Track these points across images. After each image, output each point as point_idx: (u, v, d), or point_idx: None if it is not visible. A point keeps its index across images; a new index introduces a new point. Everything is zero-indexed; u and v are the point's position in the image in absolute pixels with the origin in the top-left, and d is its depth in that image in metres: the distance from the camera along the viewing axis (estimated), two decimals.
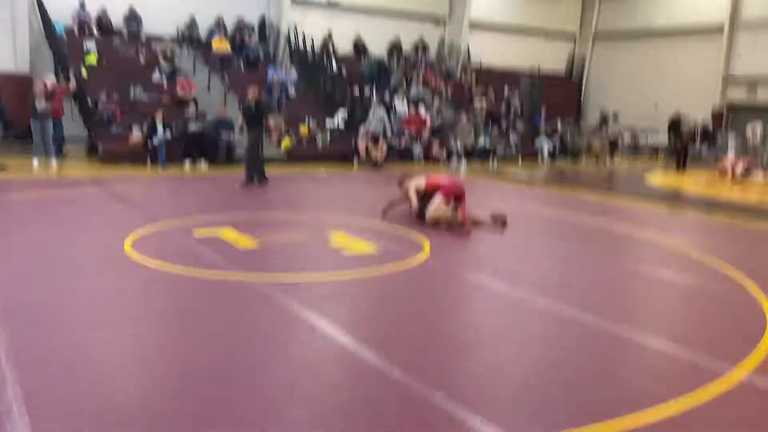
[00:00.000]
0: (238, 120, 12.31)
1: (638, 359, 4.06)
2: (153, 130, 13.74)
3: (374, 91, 18.88)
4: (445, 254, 6.66)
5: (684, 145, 18.40)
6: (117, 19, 18.27)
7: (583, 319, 4.72)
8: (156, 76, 16.79)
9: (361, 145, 15.38)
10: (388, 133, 15.80)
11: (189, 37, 18.83)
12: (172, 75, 16.76)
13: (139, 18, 18.33)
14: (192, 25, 19.03)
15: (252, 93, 11.34)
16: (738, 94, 23.51)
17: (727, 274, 6.27)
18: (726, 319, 4.96)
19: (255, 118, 11.16)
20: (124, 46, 17.65)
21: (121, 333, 4.12)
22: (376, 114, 15.53)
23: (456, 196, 7.91)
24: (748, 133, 20.64)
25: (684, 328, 4.78)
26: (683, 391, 3.53)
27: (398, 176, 8.84)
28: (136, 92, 15.89)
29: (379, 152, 15.37)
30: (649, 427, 3.13)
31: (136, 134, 13.94)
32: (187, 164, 13.80)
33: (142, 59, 17.31)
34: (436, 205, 7.88)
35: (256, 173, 11.08)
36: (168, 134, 13.82)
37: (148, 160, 13.59)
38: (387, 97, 18.78)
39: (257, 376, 3.54)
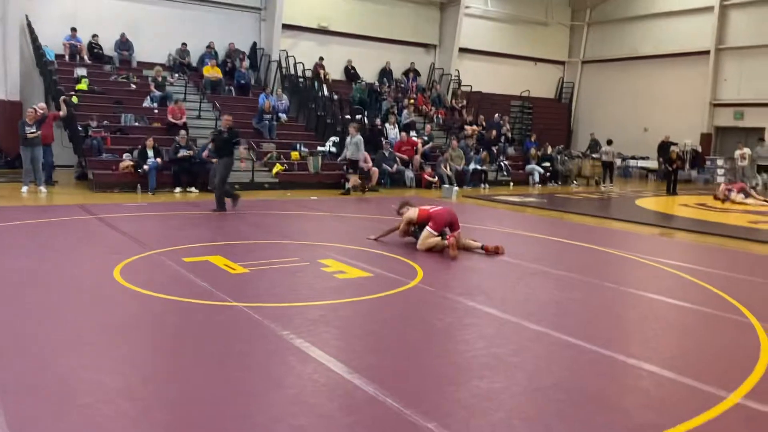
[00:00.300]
0: (209, 145, 12.34)
1: (633, 385, 4.02)
2: (143, 156, 13.72)
3: (365, 116, 18.99)
4: (439, 280, 6.62)
5: (673, 169, 18.57)
6: (109, 46, 18.37)
7: (577, 344, 4.67)
8: (147, 102, 16.82)
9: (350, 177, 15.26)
10: (361, 160, 15.49)
11: (180, 63, 18.92)
12: (163, 101, 16.80)
13: (131, 45, 18.47)
14: (183, 51, 19.14)
15: (226, 121, 11.48)
16: (725, 118, 23.83)
17: (722, 296, 6.26)
18: (721, 344, 4.93)
19: (226, 145, 11.17)
20: (115, 72, 17.71)
21: (110, 363, 4.03)
22: (353, 140, 15.29)
23: (448, 224, 7.99)
24: (736, 156, 20.91)
25: (680, 353, 4.74)
26: (679, 417, 3.49)
27: (396, 204, 8.85)
28: (127, 119, 15.90)
29: (357, 179, 15.21)
30: None
31: (127, 160, 13.91)
32: (178, 191, 13.76)
33: (133, 86, 17.36)
34: (425, 236, 7.97)
35: (227, 196, 11.12)
36: (158, 160, 13.80)
37: (138, 187, 13.54)
38: (378, 122, 18.88)
39: (249, 405, 3.46)
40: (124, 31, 18.36)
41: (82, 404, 3.41)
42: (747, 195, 15.85)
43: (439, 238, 7.94)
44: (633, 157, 25.20)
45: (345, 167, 15.68)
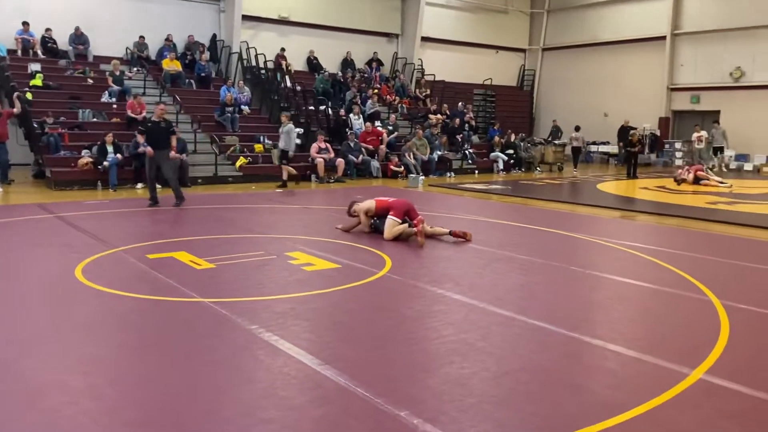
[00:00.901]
0: (139, 138, 11.93)
1: (599, 366, 4.10)
2: (103, 152, 13.42)
3: (329, 106, 18.88)
4: (407, 269, 6.64)
5: (634, 152, 18.97)
6: (63, 40, 17.86)
7: (543, 327, 4.74)
8: (105, 97, 16.44)
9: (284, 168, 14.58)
10: (292, 149, 14.60)
11: (139, 57, 18.52)
12: (122, 96, 16.44)
13: (86, 38, 17.99)
14: (142, 45, 18.73)
15: (160, 110, 11.09)
16: (682, 102, 24.36)
17: (683, 276, 6.42)
18: (683, 322, 5.05)
19: (164, 136, 10.80)
20: (71, 67, 17.24)
21: (73, 363, 3.95)
22: (284, 129, 14.52)
23: (406, 212, 8.06)
24: (693, 139, 21.43)
25: (644, 333, 4.85)
26: (645, 396, 3.57)
27: (348, 203, 8.85)
28: (85, 114, 15.52)
29: (291, 170, 14.64)
30: (608, 431, 3.16)
31: (86, 157, 13.59)
32: (140, 186, 13.52)
33: (90, 80, 16.94)
34: (390, 224, 8.02)
35: (175, 193, 10.91)
36: (119, 156, 13.52)
37: (99, 184, 13.26)
38: (342, 113, 18.79)
39: (217, 400, 3.43)
40: (78, 24, 17.87)
41: (45, 407, 3.33)
42: (703, 177, 16.23)
43: (406, 224, 7.99)
44: (594, 143, 25.60)
45: (279, 159, 14.92)
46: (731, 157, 22.26)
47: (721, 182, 16.02)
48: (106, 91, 16.52)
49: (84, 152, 13.89)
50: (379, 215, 8.29)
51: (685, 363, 4.05)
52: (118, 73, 16.98)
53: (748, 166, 21.84)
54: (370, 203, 8.37)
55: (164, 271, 6.26)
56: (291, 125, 14.75)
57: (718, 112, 22.87)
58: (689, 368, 3.96)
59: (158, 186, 11.25)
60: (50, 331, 4.55)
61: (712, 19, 22.93)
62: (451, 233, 8.12)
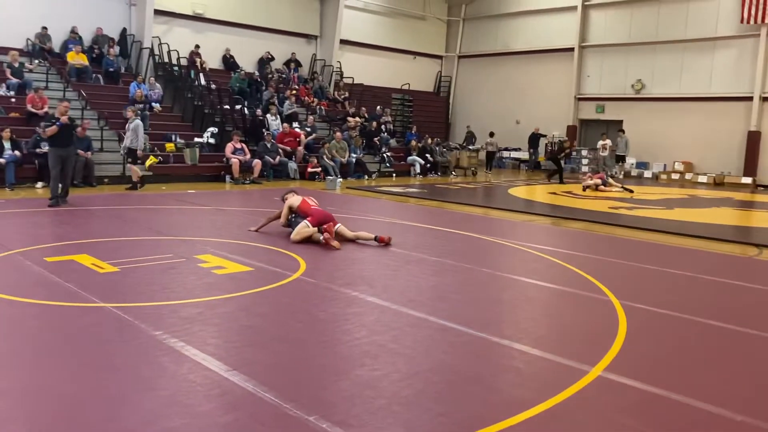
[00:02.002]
0: (43, 133, 11.26)
1: (506, 365, 4.21)
2: None
3: (245, 106, 18.53)
4: (321, 271, 6.59)
5: (556, 160, 19.88)
6: None
7: (453, 328, 4.83)
8: (2, 90, 15.44)
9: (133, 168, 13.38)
10: (140, 147, 13.20)
11: (41, 48, 17.49)
12: (21, 89, 15.50)
13: None
14: (44, 36, 17.70)
15: (65, 107, 10.71)
16: (588, 111, 25.55)
17: (585, 277, 6.71)
18: (585, 321, 5.28)
19: (65, 135, 10.49)
20: None
21: None
22: (130, 125, 13.12)
23: (321, 223, 8.04)
24: (599, 146, 22.54)
25: (548, 332, 5.02)
26: (548, 393, 3.70)
27: (284, 191, 8.85)
28: None
29: (137, 170, 13.38)
30: (513, 428, 3.24)
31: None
32: (40, 186, 12.77)
33: None
34: (300, 227, 7.98)
35: (63, 191, 10.59)
36: (17, 153, 12.73)
37: None
38: (259, 113, 18.49)
39: (117, 408, 3.27)
40: None
41: None
42: (605, 183, 17.07)
43: (315, 230, 7.97)
44: (506, 149, 26.44)
45: (124, 157, 13.63)
46: (632, 164, 23.56)
47: (624, 188, 16.89)
48: (4, 84, 15.52)
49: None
50: (298, 215, 8.23)
51: (586, 360, 4.22)
52: (17, 65, 15.99)
53: (647, 174, 23.17)
54: (297, 200, 8.37)
55: (63, 275, 5.93)
56: (138, 121, 13.32)
57: (621, 122, 24.14)
58: (589, 366, 4.14)
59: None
60: None
61: (616, 34, 24.21)
62: (376, 239, 8.12)
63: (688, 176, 22.15)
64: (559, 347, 4.52)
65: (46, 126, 10.77)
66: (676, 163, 22.62)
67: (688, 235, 10.14)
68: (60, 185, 10.48)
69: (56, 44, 18.03)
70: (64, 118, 10.42)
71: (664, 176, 22.60)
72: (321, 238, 7.82)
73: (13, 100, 15.21)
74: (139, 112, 14.29)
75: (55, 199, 10.33)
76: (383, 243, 8.06)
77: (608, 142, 22.42)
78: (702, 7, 22.09)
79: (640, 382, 3.90)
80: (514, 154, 26.47)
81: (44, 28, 17.70)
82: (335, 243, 7.71)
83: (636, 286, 6.59)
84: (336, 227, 8.09)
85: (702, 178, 21.63)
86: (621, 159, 23.03)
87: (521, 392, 3.74)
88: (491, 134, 24.56)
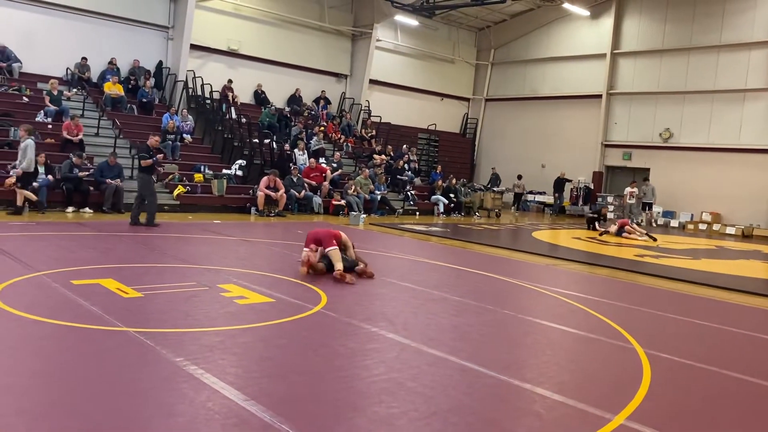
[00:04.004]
0: (141, 162, 11.98)
1: (527, 409, 4.13)
2: (34, 173, 12.90)
3: (274, 140, 18.83)
4: (342, 306, 6.58)
5: (594, 211, 19.75)
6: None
7: (474, 369, 4.77)
8: (40, 116, 15.91)
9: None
10: (30, 168, 12.33)
11: (79, 78, 18.05)
12: (59, 116, 15.96)
13: (10, 54, 17.08)
14: (83, 66, 18.29)
15: (153, 141, 12.20)
16: (615, 158, 25.47)
17: (609, 324, 6.60)
18: (608, 368, 5.18)
19: (152, 165, 12.00)
20: (5, 84, 16.63)
21: None
22: (21, 146, 12.28)
23: (316, 241, 8.03)
24: (626, 193, 22.40)
25: (570, 377, 4.93)
26: None
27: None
28: (17, 133, 14.92)
29: (29, 195, 12.46)
30: None
31: (14, 177, 13.02)
32: (71, 210, 13.04)
33: (25, 98, 16.38)
34: (336, 255, 7.95)
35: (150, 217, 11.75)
36: (50, 178, 13.03)
37: (26, 205, 12.70)
38: (287, 148, 18.77)
39: None
40: (17, 40, 17.29)
41: None
42: (624, 231, 16.85)
43: (310, 253, 7.97)
44: (531, 192, 26.40)
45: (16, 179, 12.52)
46: (659, 213, 23.32)
47: (649, 236, 16.69)
48: (42, 111, 16.00)
49: (12, 171, 13.32)
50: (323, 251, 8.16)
51: (608, 408, 4.13)
52: (55, 92, 16.49)
53: (674, 223, 22.90)
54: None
55: (89, 298, 6.01)
56: (30, 140, 12.37)
57: (648, 170, 24.00)
58: (612, 414, 4.05)
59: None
60: None
61: (645, 82, 24.27)
62: (355, 270, 8.06)
63: (715, 227, 21.82)
64: (581, 393, 4.44)
65: (142, 157, 11.89)
66: (704, 214, 22.33)
67: (715, 286, 9.96)
68: (146, 209, 11.73)
69: (94, 74, 18.59)
70: (156, 151, 12.14)
71: (690, 226, 22.30)
72: (337, 275, 7.74)
73: (50, 126, 15.65)
74: (33, 130, 12.96)
75: (135, 221, 11.70)
76: (363, 275, 7.98)
77: (636, 190, 22.28)
78: (732, 59, 22.09)
79: None
80: (538, 198, 26.40)
81: (84, 58, 18.29)
82: (302, 269, 7.79)
83: (661, 335, 6.47)
84: (327, 250, 7.94)
85: (730, 230, 21.30)
86: (648, 206, 22.82)
87: None
88: (519, 177, 25.24)
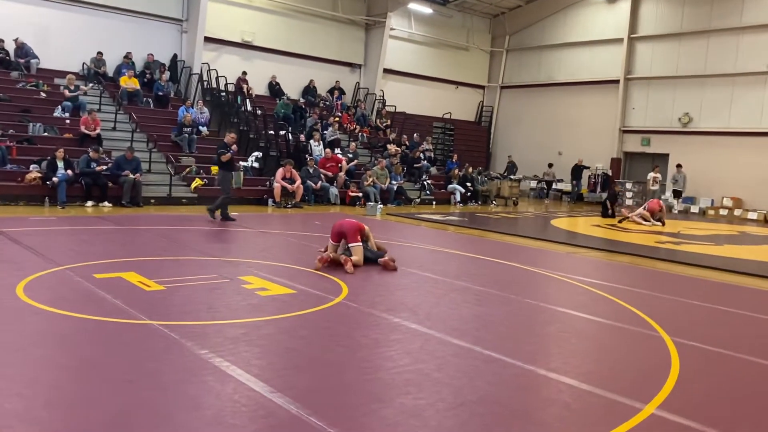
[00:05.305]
0: (221, 158, 12.15)
1: (554, 399, 4.08)
2: (53, 167, 13.02)
3: (289, 132, 18.81)
4: (364, 297, 6.56)
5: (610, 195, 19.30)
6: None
7: (499, 359, 4.72)
8: (58, 112, 16.02)
9: None
10: None
11: (96, 72, 18.13)
12: (76, 111, 16.05)
13: (29, 50, 17.25)
14: (99, 61, 18.37)
15: (230, 138, 12.48)
16: (633, 144, 25.16)
17: (634, 312, 6.52)
18: (635, 357, 5.10)
19: (230, 160, 12.27)
20: (23, 80, 16.76)
21: (9, 385, 3.72)
22: None
23: (340, 234, 8.08)
24: (649, 178, 22.08)
25: (597, 366, 4.87)
26: (598, 429, 3.57)
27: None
28: (36, 128, 15.06)
29: None
30: None
31: (34, 172, 13.15)
32: (90, 204, 13.13)
33: (43, 94, 16.49)
34: (360, 250, 8.02)
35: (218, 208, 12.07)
36: (69, 172, 13.12)
37: (47, 200, 12.83)
38: (302, 139, 18.75)
39: (163, 427, 3.27)
40: (32, 36, 17.41)
41: None
42: (647, 219, 16.69)
43: (332, 246, 8.11)
44: (540, 179, 26.17)
45: None
46: (680, 200, 23.02)
47: (655, 222, 16.51)
48: (59, 106, 16.10)
49: (32, 167, 13.45)
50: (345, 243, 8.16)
51: (638, 398, 4.07)
52: (72, 87, 16.58)
53: (694, 209, 22.60)
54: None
55: (111, 291, 6.03)
56: None
57: (667, 155, 23.68)
58: (641, 403, 3.99)
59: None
60: None
61: (663, 67, 23.90)
62: (378, 262, 8.06)
63: (737, 212, 21.50)
64: (609, 383, 4.37)
65: (221, 153, 12.10)
66: (725, 199, 22.02)
67: (739, 272, 9.80)
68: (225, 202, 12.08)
69: (110, 68, 18.67)
70: (234, 147, 12.41)
71: (711, 212, 22.00)
72: (341, 258, 7.84)
73: (67, 121, 15.75)
74: None
75: (228, 217, 12.06)
76: (387, 268, 7.95)
77: (659, 175, 21.95)
78: (753, 41, 21.67)
79: (697, 423, 3.73)
80: (556, 185, 26.18)
81: (99, 53, 18.37)
82: (347, 267, 7.68)
83: (687, 323, 6.37)
84: (351, 246, 7.96)
85: (752, 215, 20.98)
86: (678, 194, 22.50)
87: (570, 428, 3.62)
88: (550, 165, 25.49)
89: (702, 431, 3.64)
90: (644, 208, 17.06)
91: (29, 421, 3.28)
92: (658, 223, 16.42)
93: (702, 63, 22.85)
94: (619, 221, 16.63)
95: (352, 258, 7.81)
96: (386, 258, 8.08)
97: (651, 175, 22.00)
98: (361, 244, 8.03)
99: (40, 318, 5.13)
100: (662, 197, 21.91)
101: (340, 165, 18.04)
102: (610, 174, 24.80)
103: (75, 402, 3.58)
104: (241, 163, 17.03)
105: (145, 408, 3.52)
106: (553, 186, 25.81)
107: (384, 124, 23.51)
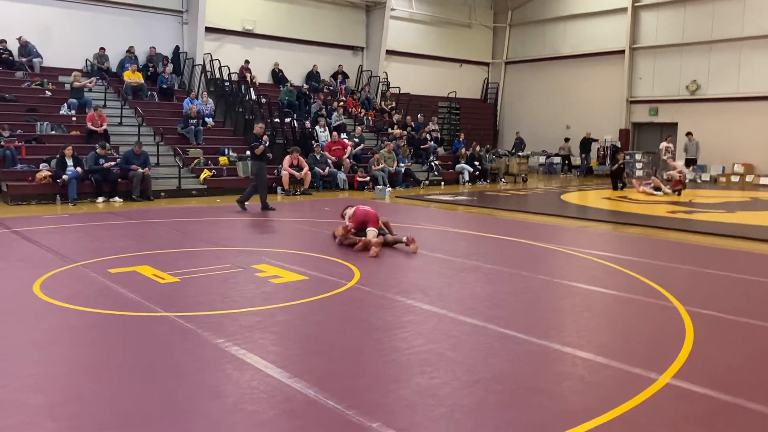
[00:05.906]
0: (256, 150, 12.39)
1: (569, 373, 4.11)
2: (62, 165, 13.10)
3: (294, 119, 18.79)
4: (376, 280, 6.60)
5: (620, 168, 18.98)
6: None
7: (513, 336, 4.75)
8: (64, 109, 16.08)
9: None
10: None
11: (99, 68, 18.16)
12: (82, 108, 16.10)
13: (32, 49, 17.27)
14: (102, 56, 18.38)
15: (259, 129, 12.56)
16: (641, 114, 24.92)
17: (647, 283, 6.52)
18: (649, 328, 5.12)
19: (263, 151, 12.32)
20: (28, 79, 16.81)
21: (31, 381, 3.79)
22: None
23: (363, 224, 8.25)
24: (661, 147, 21.85)
25: (611, 339, 4.89)
26: (614, 401, 3.59)
27: (341, 206, 9.13)
28: (43, 127, 15.14)
29: None
30: None
31: (44, 171, 13.24)
32: (101, 200, 13.22)
33: (48, 92, 16.54)
34: (339, 228, 8.44)
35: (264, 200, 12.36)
36: (78, 170, 13.21)
37: (58, 198, 12.93)
38: (308, 125, 18.73)
39: (184, 416, 3.33)
40: (35, 35, 17.44)
41: (1, 426, 3.19)
42: (658, 188, 16.65)
43: (348, 228, 8.28)
44: (557, 154, 26.04)
45: None
46: (692, 168, 22.82)
47: (666, 191, 16.50)
48: (65, 104, 16.16)
49: (42, 166, 13.55)
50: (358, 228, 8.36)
51: (653, 368, 4.09)
52: (78, 84, 16.62)
53: (705, 177, 22.43)
54: (351, 211, 8.58)
55: (126, 285, 6.10)
56: None
57: (675, 125, 23.47)
58: (656, 373, 4.01)
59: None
60: (6, 349, 4.37)
61: (669, 34, 23.59)
62: (405, 242, 8.15)
63: (748, 178, 21.32)
64: (624, 354, 4.39)
65: (254, 146, 12.31)
66: (736, 165, 21.82)
67: (752, 238, 9.76)
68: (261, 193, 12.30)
69: (113, 64, 18.68)
70: (265, 138, 12.49)
71: (722, 179, 21.83)
72: (356, 239, 8.08)
73: (74, 119, 15.81)
74: None
75: (267, 206, 12.28)
76: (410, 243, 8.06)
77: (671, 145, 21.72)
78: (760, 3, 21.31)
79: (712, 390, 3.75)
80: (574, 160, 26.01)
81: (102, 48, 18.38)
82: (376, 250, 7.77)
83: (701, 292, 6.37)
84: (368, 230, 8.16)
85: (764, 180, 20.80)
86: (692, 162, 22.31)
87: (587, 400, 3.65)
88: (566, 139, 25.37)
89: (718, 398, 3.66)
90: (666, 178, 17.00)
91: (54, 416, 3.35)
92: (674, 194, 16.34)
93: (708, 28, 22.53)
94: (621, 188, 16.66)
95: (378, 239, 7.99)
96: (409, 237, 8.13)
97: (663, 144, 21.78)
98: (376, 230, 8.23)
99: (58, 315, 5.20)
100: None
101: (345, 148, 18.01)
102: (619, 146, 24.61)
103: (97, 396, 3.64)
104: (249, 153, 17.06)
105: (166, 399, 3.58)
106: (548, 161, 25.78)
107: (389, 107, 23.41)
